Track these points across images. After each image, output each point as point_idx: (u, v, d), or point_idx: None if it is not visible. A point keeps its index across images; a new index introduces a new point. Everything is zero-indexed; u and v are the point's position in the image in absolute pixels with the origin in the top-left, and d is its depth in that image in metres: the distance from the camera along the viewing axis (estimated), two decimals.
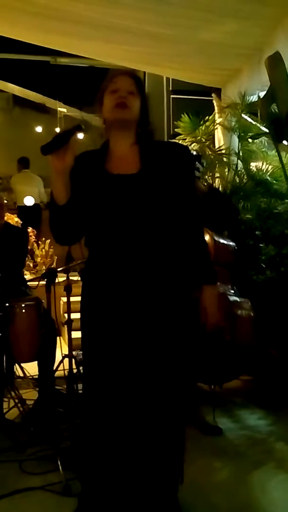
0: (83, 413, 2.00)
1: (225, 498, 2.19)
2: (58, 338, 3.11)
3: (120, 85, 1.82)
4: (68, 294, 3.00)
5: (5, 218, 5.26)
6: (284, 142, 3.45)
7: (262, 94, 3.58)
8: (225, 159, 4.34)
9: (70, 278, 3.00)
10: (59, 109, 9.43)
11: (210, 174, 4.35)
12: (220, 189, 4.23)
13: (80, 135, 2.04)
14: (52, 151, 1.69)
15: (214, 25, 3.71)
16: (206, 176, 4.24)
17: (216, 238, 3.25)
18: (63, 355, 3.06)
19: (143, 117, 1.87)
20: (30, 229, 5.90)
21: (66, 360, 3.02)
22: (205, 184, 4.02)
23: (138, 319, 1.79)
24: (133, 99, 1.82)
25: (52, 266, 5.61)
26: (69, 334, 2.98)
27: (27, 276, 4.42)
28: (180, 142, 4.34)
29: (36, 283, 3.09)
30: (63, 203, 1.79)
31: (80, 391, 2.79)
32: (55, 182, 1.78)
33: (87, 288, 1.90)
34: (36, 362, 3.00)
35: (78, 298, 1.94)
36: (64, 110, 9.45)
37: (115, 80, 1.84)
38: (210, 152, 4.38)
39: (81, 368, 2.96)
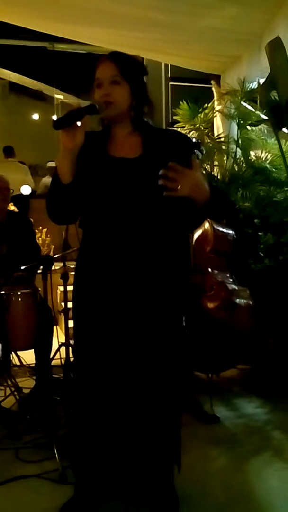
0: (76, 402, 1.99)
1: (222, 487, 2.18)
2: (54, 326, 3.09)
3: (102, 77, 1.78)
4: (65, 282, 2.98)
5: None
6: (284, 129, 3.41)
7: (262, 80, 3.53)
8: (224, 147, 4.30)
9: (67, 266, 2.98)
10: (56, 96, 9.34)
11: (209, 162, 4.31)
12: (218, 177, 4.20)
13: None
14: (64, 127, 1.67)
15: (214, 10, 3.66)
16: (205, 164, 4.20)
17: (215, 226, 3.23)
18: (60, 343, 3.05)
19: (136, 99, 1.82)
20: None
21: (63, 348, 3.01)
22: (203, 173, 3.98)
23: (132, 305, 1.77)
24: (117, 89, 1.77)
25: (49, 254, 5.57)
26: (66, 323, 2.97)
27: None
28: (178, 130, 4.30)
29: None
30: (67, 182, 1.76)
31: None
32: (62, 159, 1.74)
33: (80, 272, 1.88)
34: (32, 351, 2.99)
35: None
36: (61, 97, 9.35)
37: (97, 72, 1.80)
38: (209, 140, 4.34)
39: None
